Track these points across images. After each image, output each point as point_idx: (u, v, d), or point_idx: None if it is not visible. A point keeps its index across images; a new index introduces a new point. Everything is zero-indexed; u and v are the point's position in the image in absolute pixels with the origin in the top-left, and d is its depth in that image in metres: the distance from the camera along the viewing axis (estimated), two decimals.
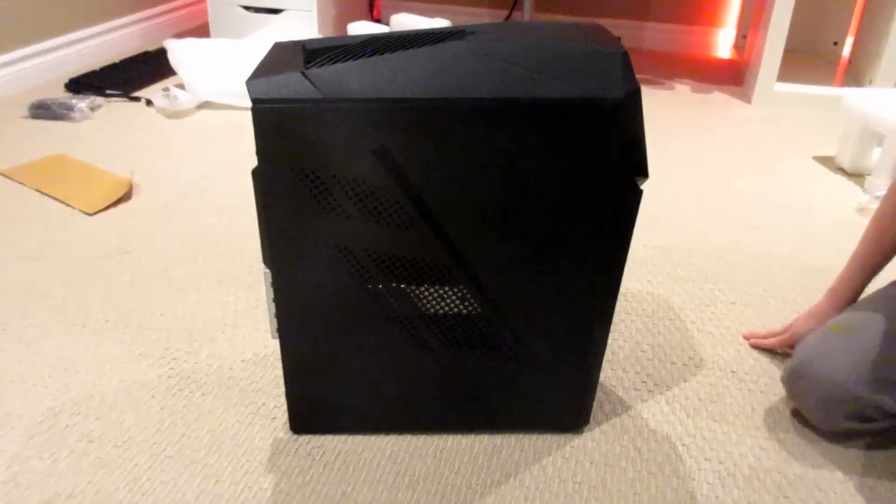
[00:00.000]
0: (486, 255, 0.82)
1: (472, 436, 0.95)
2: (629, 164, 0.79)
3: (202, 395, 1.00)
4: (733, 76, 2.61)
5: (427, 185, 0.78)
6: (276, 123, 0.74)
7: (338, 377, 0.90)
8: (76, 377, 1.03)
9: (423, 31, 0.85)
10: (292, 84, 0.74)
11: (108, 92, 2.15)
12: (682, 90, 2.43)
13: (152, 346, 1.10)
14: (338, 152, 0.76)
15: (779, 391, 1.04)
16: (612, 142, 0.76)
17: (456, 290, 0.84)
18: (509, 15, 3.01)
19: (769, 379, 1.07)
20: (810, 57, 2.71)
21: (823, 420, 0.94)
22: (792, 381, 0.97)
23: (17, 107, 2.04)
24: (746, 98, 2.35)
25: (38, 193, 1.55)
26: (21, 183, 1.60)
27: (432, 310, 0.86)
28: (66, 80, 2.20)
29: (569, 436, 0.95)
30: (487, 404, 0.93)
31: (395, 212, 0.79)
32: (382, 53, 0.77)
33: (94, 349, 1.09)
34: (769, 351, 1.13)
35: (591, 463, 0.91)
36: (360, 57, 0.77)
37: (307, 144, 0.75)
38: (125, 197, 1.55)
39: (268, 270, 0.83)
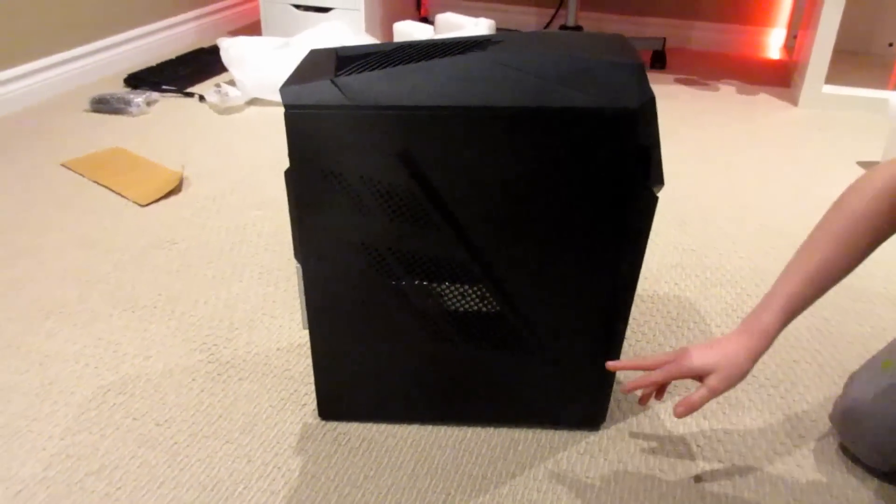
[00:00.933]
0: (505, 256, 0.86)
1: (492, 429, 0.99)
2: (644, 170, 0.81)
3: (239, 379, 1.07)
4: (781, 77, 2.57)
5: (448, 188, 0.82)
6: (307, 128, 0.79)
7: (363, 367, 0.94)
8: (125, 359, 1.10)
9: (449, 41, 0.89)
10: (322, 91, 0.79)
11: (163, 87, 2.25)
12: (726, 91, 2.41)
13: (196, 332, 1.17)
14: (364, 155, 0.80)
15: (798, 397, 1.05)
16: (627, 149, 0.79)
17: (476, 288, 0.88)
18: (555, 14, 3.02)
19: (790, 385, 1.08)
20: (864, 58, 2.65)
21: (880, 462, 0.90)
22: (843, 424, 0.93)
23: (80, 101, 2.15)
24: (793, 100, 2.32)
25: (95, 184, 1.65)
26: (81, 174, 1.69)
27: (453, 306, 0.90)
28: (126, 76, 2.31)
29: (585, 432, 0.98)
30: (507, 399, 0.97)
31: (418, 212, 0.83)
32: (408, 63, 0.82)
33: (141, 333, 1.16)
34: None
35: (605, 460, 0.94)
36: (388, 66, 0.81)
37: (336, 147, 0.80)
38: (176, 189, 1.63)
39: (299, 265, 0.88)
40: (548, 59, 0.79)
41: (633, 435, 0.98)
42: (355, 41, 2.38)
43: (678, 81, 2.50)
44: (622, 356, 1.11)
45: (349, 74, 0.80)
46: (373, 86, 0.79)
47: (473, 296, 0.89)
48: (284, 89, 0.79)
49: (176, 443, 0.95)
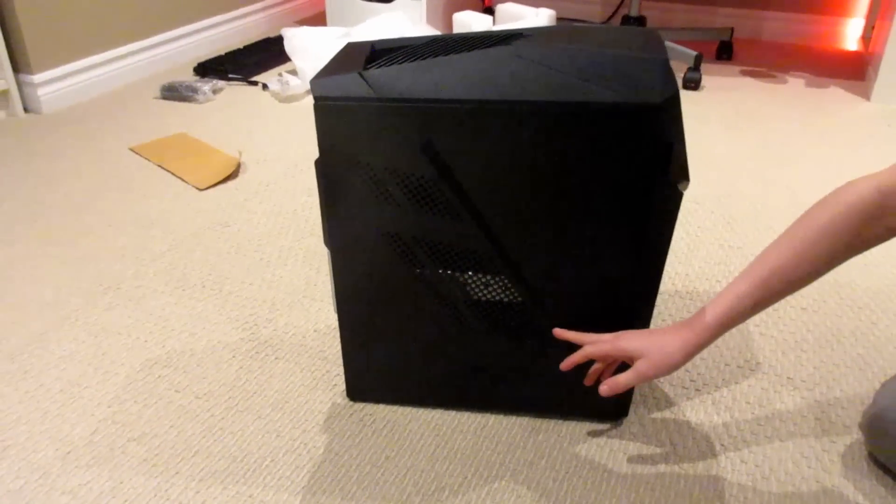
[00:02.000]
0: (526, 248, 0.87)
1: (514, 417, 1.00)
2: (667, 167, 0.81)
3: (276, 358, 1.11)
4: (856, 70, 2.47)
5: (471, 180, 0.83)
6: (335, 119, 0.82)
7: (390, 352, 0.97)
8: (172, 334, 1.17)
9: (478, 35, 0.91)
10: (350, 84, 0.81)
11: (230, 76, 2.33)
12: (794, 84, 2.33)
13: (239, 312, 1.22)
14: (389, 147, 0.83)
15: (833, 401, 1.03)
16: (650, 145, 0.79)
17: (498, 278, 0.90)
18: (620, 5, 2.97)
19: (826, 388, 1.05)
20: None
21: None
22: (871, 433, 0.91)
23: (152, 89, 2.26)
24: (865, 94, 2.22)
25: (159, 168, 1.73)
26: (146, 158, 1.78)
27: (477, 295, 0.91)
28: (195, 65, 2.41)
29: (608, 425, 0.99)
30: (529, 388, 0.98)
31: (443, 203, 0.85)
32: (436, 56, 0.83)
33: (189, 310, 1.22)
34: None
35: (624, 453, 0.94)
36: (416, 59, 0.83)
37: (362, 139, 0.83)
38: (233, 175, 1.70)
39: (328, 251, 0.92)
40: (571, 53, 0.79)
41: (657, 430, 0.98)
42: (414, 32, 2.41)
43: (744, 73, 2.43)
44: None
45: (378, 68, 0.83)
46: (399, 79, 0.81)
47: (496, 286, 0.90)
48: (314, 81, 0.82)
49: (212, 415, 1.01)
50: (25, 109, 2.09)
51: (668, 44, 2.35)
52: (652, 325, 1.17)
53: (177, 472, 0.92)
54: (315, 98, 0.82)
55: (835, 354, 1.12)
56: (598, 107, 0.77)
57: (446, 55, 0.83)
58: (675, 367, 0.82)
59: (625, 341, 0.85)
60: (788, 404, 1.02)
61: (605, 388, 0.84)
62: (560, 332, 0.90)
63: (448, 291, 0.91)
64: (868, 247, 0.79)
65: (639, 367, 0.83)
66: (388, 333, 0.96)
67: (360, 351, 0.98)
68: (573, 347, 0.91)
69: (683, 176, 0.84)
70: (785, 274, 0.79)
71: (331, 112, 0.82)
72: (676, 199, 0.84)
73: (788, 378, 1.07)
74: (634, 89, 0.77)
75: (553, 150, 0.80)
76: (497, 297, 0.91)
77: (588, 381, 0.93)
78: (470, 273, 0.90)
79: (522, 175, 0.82)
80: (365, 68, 0.83)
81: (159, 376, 1.08)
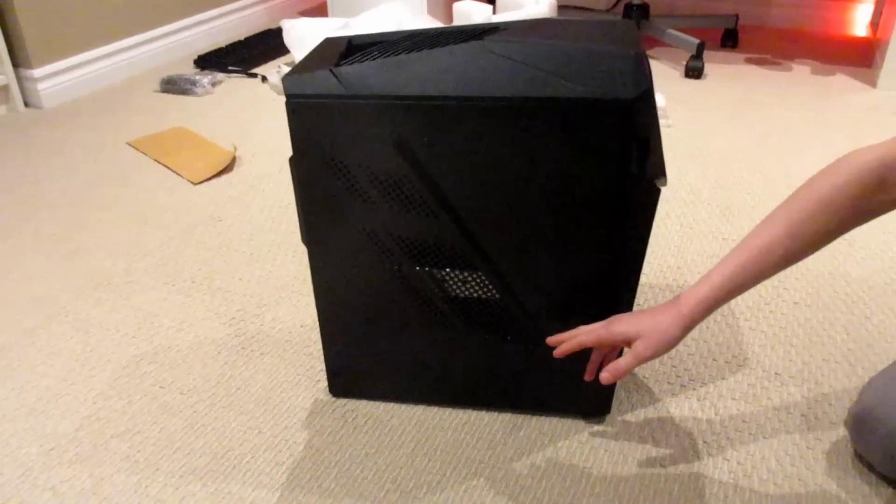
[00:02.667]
0: (503, 245, 0.86)
1: (496, 413, 1.00)
2: (642, 163, 0.80)
3: (261, 354, 1.12)
4: (863, 57, 2.42)
5: (446, 177, 0.83)
6: (308, 116, 0.82)
7: (370, 348, 0.97)
8: (159, 330, 1.17)
9: (455, 29, 0.90)
10: (321, 81, 0.81)
11: (229, 68, 2.33)
12: (799, 71, 2.29)
13: (227, 307, 1.22)
14: (363, 145, 0.82)
15: (820, 397, 1.01)
16: (623, 142, 0.78)
17: (476, 275, 0.89)
18: None
19: (814, 384, 1.04)
20: None
21: (893, 470, 0.86)
22: (856, 430, 0.89)
23: (152, 82, 2.26)
24: (872, 82, 2.18)
25: (155, 163, 1.74)
26: (143, 152, 1.79)
27: (455, 292, 0.91)
28: (196, 57, 2.41)
29: (590, 422, 0.98)
30: (510, 385, 0.98)
31: (417, 201, 0.85)
32: (411, 52, 0.83)
33: (178, 306, 1.23)
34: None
35: (605, 451, 0.94)
36: (390, 55, 0.83)
37: (335, 136, 0.82)
38: (227, 168, 1.70)
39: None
40: (543, 48, 0.78)
41: (639, 427, 0.97)
42: (414, 23, 2.40)
43: (749, 61, 2.40)
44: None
45: (350, 64, 0.82)
46: (370, 75, 0.80)
47: (473, 282, 0.90)
48: (286, 78, 0.82)
49: (195, 411, 1.01)
50: (26, 104, 2.10)
51: (670, 31, 2.32)
52: None
53: (157, 469, 0.92)
54: (287, 96, 0.81)
55: (825, 349, 1.11)
56: (568, 102, 0.76)
57: (420, 51, 0.82)
58: (673, 344, 0.79)
59: (619, 325, 0.82)
60: (775, 400, 1.01)
61: (607, 375, 0.81)
62: (552, 339, 0.87)
63: (426, 288, 0.91)
64: (868, 219, 0.77)
65: (636, 349, 0.80)
66: (369, 331, 0.96)
67: (340, 347, 0.98)
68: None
69: (659, 172, 0.83)
70: (781, 247, 0.77)
71: (303, 110, 0.82)
72: (652, 195, 0.83)
73: (776, 373, 1.06)
74: (606, 84, 0.76)
75: (525, 147, 0.79)
76: (475, 294, 0.91)
77: (588, 376, 0.90)
78: (447, 270, 0.90)
79: (496, 172, 0.81)
80: (338, 65, 0.83)
81: (145, 372, 1.08)
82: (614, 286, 0.87)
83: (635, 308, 0.90)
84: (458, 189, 0.83)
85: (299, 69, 0.84)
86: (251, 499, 0.88)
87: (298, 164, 0.85)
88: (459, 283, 0.90)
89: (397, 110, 0.80)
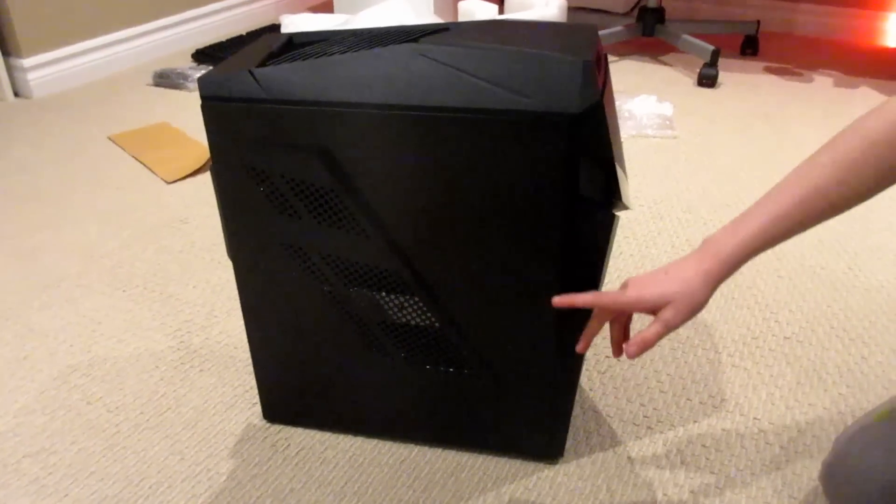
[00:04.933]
0: (442, 269, 0.78)
1: (440, 450, 0.92)
2: (592, 185, 0.71)
3: (200, 370, 1.04)
4: (891, 69, 2.28)
5: (375, 192, 0.74)
6: (225, 121, 0.74)
7: (304, 372, 0.89)
8: (100, 340, 1.11)
9: (403, 29, 0.81)
10: (239, 83, 0.73)
11: None
12: (821, 83, 2.16)
13: (174, 317, 1.16)
14: (284, 153, 0.74)
15: (802, 449, 0.91)
16: (568, 161, 0.69)
17: (413, 301, 0.81)
18: None
19: (796, 432, 0.94)
20: None
21: None
22: (828, 484, 0.79)
23: (147, 75, 2.21)
24: None
25: (133, 159, 1.68)
26: (122, 148, 1.73)
27: (391, 318, 0.83)
28: (194, 51, 2.35)
29: (540, 465, 0.89)
30: (455, 419, 0.89)
31: (345, 217, 0.77)
32: (344, 53, 0.74)
33: (124, 314, 1.16)
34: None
35: (553, 499, 0.85)
36: (319, 56, 0.75)
37: (255, 143, 0.75)
38: (204, 167, 1.63)
39: None
40: (484, 53, 0.69)
41: (594, 474, 0.88)
42: (415, 21, 2.32)
43: (768, 70, 2.27)
44: (598, 381, 1.01)
45: (275, 65, 0.74)
46: (293, 78, 0.72)
47: (411, 308, 0.81)
48: (202, 79, 0.74)
49: (118, 432, 0.94)
50: (15, 94, 2.06)
51: (684, 37, 2.21)
52: (606, 362, 1.07)
53: (66, 496, 0.85)
54: (201, 98, 0.74)
55: (813, 393, 1.00)
56: (505, 115, 0.67)
57: (354, 52, 0.74)
58: (702, 306, 0.70)
59: (643, 291, 0.70)
60: (750, 450, 0.91)
61: (634, 349, 0.71)
62: (559, 300, 0.74)
63: (359, 312, 0.83)
64: None
65: (665, 317, 0.70)
66: (300, 353, 0.88)
67: (272, 370, 0.91)
68: (499, 378, 0.82)
69: (615, 196, 0.73)
70: (827, 193, 0.67)
71: (219, 113, 0.74)
72: (608, 220, 0.74)
73: (755, 418, 0.96)
74: (550, 96, 0.67)
75: (459, 163, 0.71)
76: (414, 321, 0.82)
77: (617, 353, 0.79)
78: (384, 294, 0.81)
79: (429, 188, 0.73)
80: (262, 65, 0.75)
81: (74, 385, 1.02)
82: (565, 317, 0.78)
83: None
84: (389, 205, 0.75)
85: (221, 69, 0.76)
86: None
87: (218, 173, 0.78)
88: (397, 309, 0.82)
89: (320, 117, 0.72)
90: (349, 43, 0.79)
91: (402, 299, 0.81)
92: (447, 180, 0.72)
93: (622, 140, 1.77)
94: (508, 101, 0.68)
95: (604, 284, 1.21)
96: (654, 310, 0.71)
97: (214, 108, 0.74)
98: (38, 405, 0.98)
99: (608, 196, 0.73)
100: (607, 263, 0.85)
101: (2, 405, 0.98)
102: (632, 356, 0.71)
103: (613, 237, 0.82)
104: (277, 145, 0.74)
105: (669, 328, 0.70)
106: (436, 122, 0.69)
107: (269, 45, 0.83)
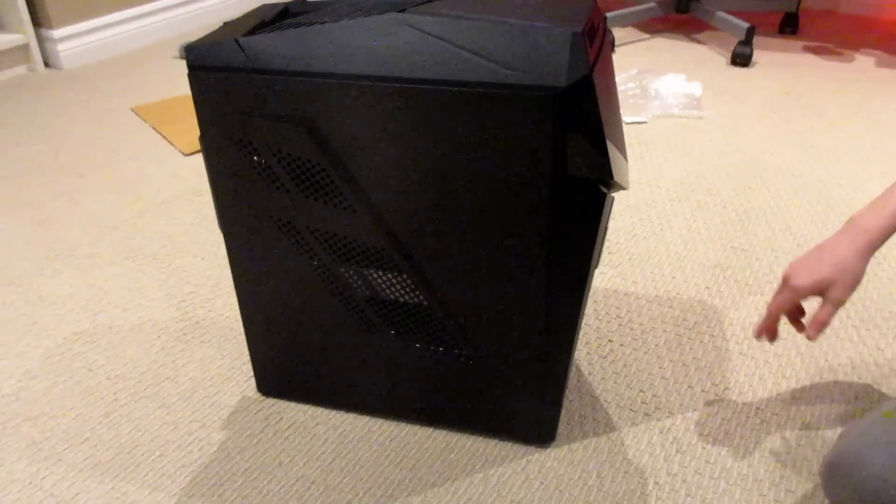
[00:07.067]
0: (429, 247, 0.76)
1: (429, 430, 0.91)
2: (581, 163, 0.68)
3: (201, 342, 1.05)
4: None
5: (361, 166, 0.73)
6: (213, 91, 0.73)
7: (297, 347, 0.89)
8: (105, 308, 1.12)
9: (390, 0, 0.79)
10: (225, 52, 0.72)
11: None
12: (862, 63, 2.07)
13: (180, 288, 1.16)
14: (272, 125, 0.73)
15: (804, 442, 0.88)
16: (556, 137, 0.66)
17: (401, 278, 0.80)
18: None
19: (800, 425, 0.90)
20: None
21: None
22: (828, 479, 0.76)
23: (172, 48, 2.22)
24: None
25: (153, 130, 1.70)
26: (144, 120, 1.75)
27: (380, 295, 0.82)
28: (221, 24, 2.36)
29: (531, 449, 0.88)
30: (446, 399, 0.88)
31: (332, 191, 0.75)
32: (331, 22, 0.73)
33: (131, 283, 1.18)
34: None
35: (541, 483, 0.83)
36: (308, 26, 0.73)
37: (242, 114, 0.74)
38: None
39: None
40: (470, 23, 0.67)
41: (584, 460, 0.86)
42: None
43: (806, 49, 2.19)
44: (598, 365, 0.99)
45: (262, 34, 0.73)
46: (279, 48, 0.71)
47: (399, 285, 0.80)
48: (188, 47, 0.73)
49: (116, 399, 0.95)
50: (46, 64, 2.09)
51: (719, 14, 2.14)
52: (608, 346, 1.04)
53: (60, 460, 0.87)
54: (188, 67, 0.73)
55: (822, 385, 0.97)
56: (490, 88, 0.65)
57: (342, 21, 0.72)
58: (861, 279, 0.78)
59: (814, 275, 0.78)
60: (749, 441, 0.88)
61: (814, 332, 0.79)
62: (762, 334, 0.85)
63: (348, 288, 0.82)
64: None
65: (833, 296, 0.78)
66: (293, 327, 0.88)
67: (265, 343, 0.91)
68: (489, 359, 0.80)
69: (607, 175, 0.71)
70: None
71: (206, 83, 0.73)
72: (594, 198, 0.72)
73: (757, 409, 0.93)
74: (537, 68, 0.64)
75: (444, 137, 0.69)
76: (402, 298, 0.81)
77: (799, 330, 0.86)
78: (372, 270, 0.80)
79: (414, 163, 0.71)
80: (250, 34, 0.74)
81: (78, 353, 1.03)
82: (558, 295, 0.76)
83: None
84: (374, 180, 0.73)
85: (209, 37, 0.75)
86: (145, 502, 0.81)
87: (207, 144, 0.77)
88: (386, 286, 0.81)
89: (304, 88, 0.70)
90: (339, 13, 0.77)
91: (390, 276, 0.80)
92: (433, 155, 0.70)
93: (646, 120, 1.72)
94: (494, 74, 0.65)
95: (605, 266, 1.18)
96: (823, 290, 0.78)
97: (201, 77, 0.73)
98: (40, 371, 1.00)
99: (599, 174, 0.70)
100: (602, 243, 0.82)
101: (7, 369, 1.00)
102: (813, 338, 0.79)
103: (608, 217, 0.79)
104: (263, 116, 0.73)
105: (839, 305, 0.78)
106: (421, 94, 0.67)
107: (262, 14, 0.82)
